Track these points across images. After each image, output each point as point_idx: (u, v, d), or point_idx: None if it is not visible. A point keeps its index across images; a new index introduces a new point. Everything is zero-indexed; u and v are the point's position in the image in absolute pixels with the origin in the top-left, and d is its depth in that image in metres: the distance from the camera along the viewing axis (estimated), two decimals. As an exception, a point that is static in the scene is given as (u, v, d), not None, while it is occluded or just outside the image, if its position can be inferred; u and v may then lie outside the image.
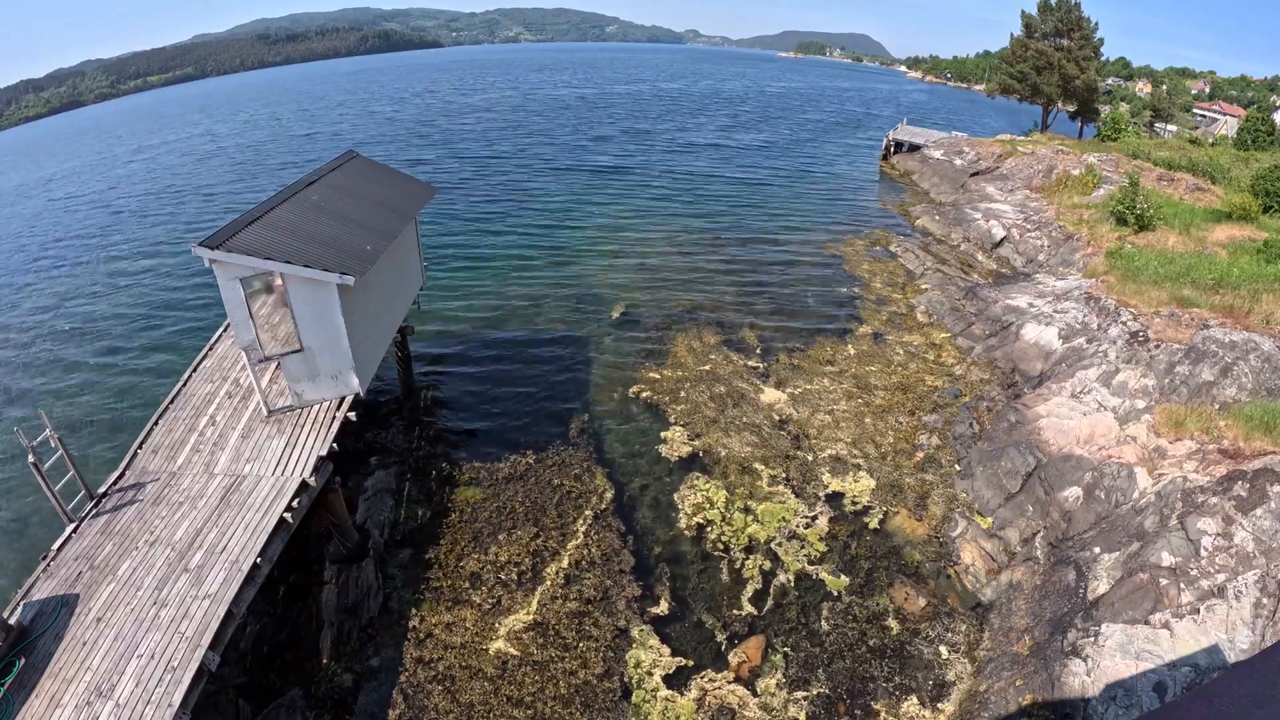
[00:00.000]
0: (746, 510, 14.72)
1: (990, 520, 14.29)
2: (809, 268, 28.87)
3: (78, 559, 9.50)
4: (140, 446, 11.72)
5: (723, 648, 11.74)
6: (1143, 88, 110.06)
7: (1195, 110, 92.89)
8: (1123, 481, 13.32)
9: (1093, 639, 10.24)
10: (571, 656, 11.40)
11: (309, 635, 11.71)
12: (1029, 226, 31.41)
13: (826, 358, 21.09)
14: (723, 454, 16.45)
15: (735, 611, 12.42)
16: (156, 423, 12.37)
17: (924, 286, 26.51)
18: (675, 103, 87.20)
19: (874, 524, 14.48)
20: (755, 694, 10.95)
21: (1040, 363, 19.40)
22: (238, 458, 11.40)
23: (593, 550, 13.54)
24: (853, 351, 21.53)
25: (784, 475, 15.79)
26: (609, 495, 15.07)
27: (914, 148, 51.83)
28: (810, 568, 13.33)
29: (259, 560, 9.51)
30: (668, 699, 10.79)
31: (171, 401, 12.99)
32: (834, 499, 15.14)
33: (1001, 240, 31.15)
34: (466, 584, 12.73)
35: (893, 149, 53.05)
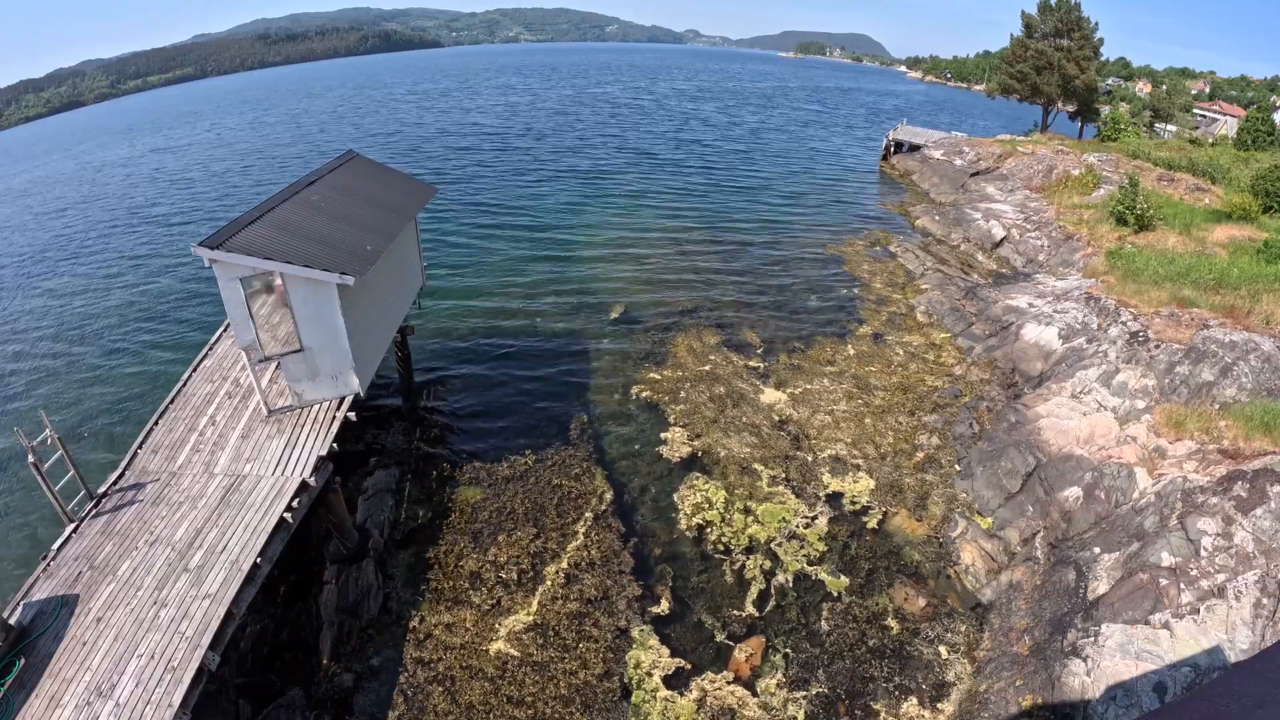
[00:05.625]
0: (746, 511, 14.72)
1: (990, 520, 14.29)
2: (809, 268, 28.87)
3: (78, 559, 9.49)
4: (140, 446, 11.71)
5: (723, 648, 11.74)
6: (1143, 88, 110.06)
7: (1195, 110, 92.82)
8: (1123, 481, 13.32)
9: (1093, 639, 10.24)
10: (571, 657, 11.40)
11: (309, 635, 11.71)
12: (1029, 226, 31.41)
13: (826, 358, 21.09)
14: (722, 454, 16.45)
15: (735, 612, 12.42)
16: (156, 423, 12.36)
17: (924, 286, 26.51)
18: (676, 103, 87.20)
19: (874, 524, 14.48)
20: (755, 694, 10.95)
21: (1040, 363, 19.40)
22: (238, 458, 11.39)
23: (593, 551, 13.54)
24: (853, 352, 21.53)
25: (784, 475, 15.79)
26: (609, 496, 15.06)
27: (914, 148, 51.85)
28: (810, 568, 13.33)
29: (259, 560, 9.51)
30: (668, 699, 10.78)
31: (171, 401, 12.99)
32: (834, 499, 15.14)
33: (1001, 240, 31.15)
34: (466, 584, 12.73)
35: (893, 149, 53.06)
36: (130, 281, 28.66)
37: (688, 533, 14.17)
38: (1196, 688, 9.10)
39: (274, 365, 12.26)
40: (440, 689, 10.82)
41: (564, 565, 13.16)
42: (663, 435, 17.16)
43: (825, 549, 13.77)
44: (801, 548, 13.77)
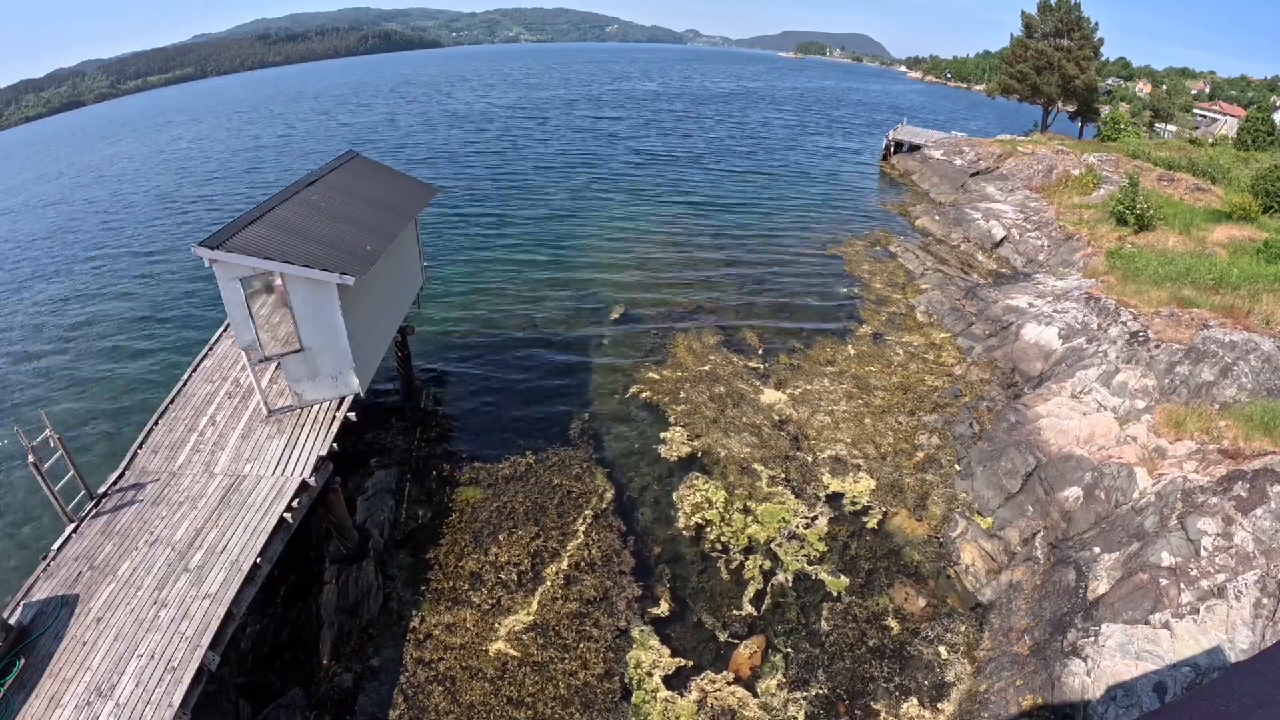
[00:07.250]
0: (746, 511, 14.72)
1: (990, 520, 14.29)
2: (809, 268, 28.87)
3: (78, 559, 9.49)
4: (140, 446, 11.72)
5: (723, 648, 11.74)
6: (1143, 88, 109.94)
7: (1195, 110, 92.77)
8: (1123, 481, 13.32)
9: (1093, 639, 10.24)
10: (571, 657, 11.40)
11: (309, 635, 11.71)
12: (1029, 226, 31.41)
13: (826, 358, 21.08)
14: (722, 454, 16.44)
15: (735, 612, 12.42)
16: (156, 423, 12.36)
17: (924, 286, 26.51)
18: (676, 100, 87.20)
19: (874, 524, 14.48)
20: (755, 694, 10.95)
21: (1040, 363, 19.39)
22: (238, 458, 11.39)
23: (593, 551, 13.54)
24: (853, 352, 21.53)
25: (784, 476, 15.79)
26: (609, 495, 15.06)
27: (914, 148, 51.83)
28: (810, 568, 13.33)
29: (259, 560, 9.51)
30: (668, 700, 10.78)
31: (171, 401, 12.99)
32: (834, 499, 15.14)
33: (1001, 240, 31.15)
34: (466, 584, 12.73)
35: (893, 149, 53.04)
36: (129, 282, 28.65)
37: (687, 533, 14.16)
38: (1196, 688, 9.10)
39: (274, 365, 12.26)
40: (440, 689, 10.82)
41: (564, 565, 13.16)
42: (662, 435, 17.16)
43: (825, 549, 13.76)
44: (801, 548, 13.77)
